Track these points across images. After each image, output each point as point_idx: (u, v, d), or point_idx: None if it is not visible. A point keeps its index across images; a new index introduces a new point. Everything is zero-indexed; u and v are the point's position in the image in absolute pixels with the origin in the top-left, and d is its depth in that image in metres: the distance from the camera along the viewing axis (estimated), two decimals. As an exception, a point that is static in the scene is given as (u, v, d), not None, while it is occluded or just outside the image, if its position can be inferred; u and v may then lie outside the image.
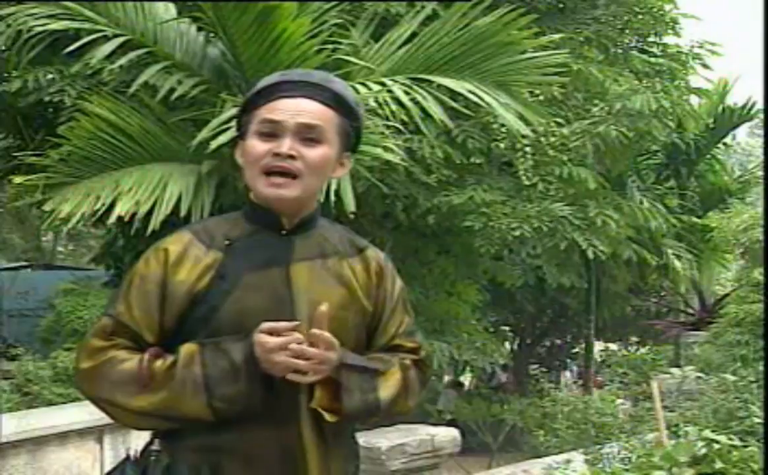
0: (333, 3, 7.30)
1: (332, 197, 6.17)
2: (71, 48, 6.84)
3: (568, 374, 14.84)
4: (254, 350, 1.99)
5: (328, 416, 2.05)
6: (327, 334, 2.02)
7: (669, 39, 11.40)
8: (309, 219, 2.17)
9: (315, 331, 2.01)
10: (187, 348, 2.03)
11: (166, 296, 2.07)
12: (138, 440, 6.64)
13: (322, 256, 2.16)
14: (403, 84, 6.93)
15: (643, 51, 11.29)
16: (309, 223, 2.17)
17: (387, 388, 2.15)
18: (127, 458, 2.12)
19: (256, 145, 2.09)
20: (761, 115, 14.43)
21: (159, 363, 2.03)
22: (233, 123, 6.28)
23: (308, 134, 2.09)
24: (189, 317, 2.07)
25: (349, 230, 2.32)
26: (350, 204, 6.39)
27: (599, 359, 12.83)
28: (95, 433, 6.20)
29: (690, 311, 13.80)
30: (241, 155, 2.16)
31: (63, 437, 6.02)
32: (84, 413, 6.18)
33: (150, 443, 2.12)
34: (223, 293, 2.06)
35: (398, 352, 2.22)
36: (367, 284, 2.20)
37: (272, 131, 2.09)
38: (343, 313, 2.13)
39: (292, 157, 2.07)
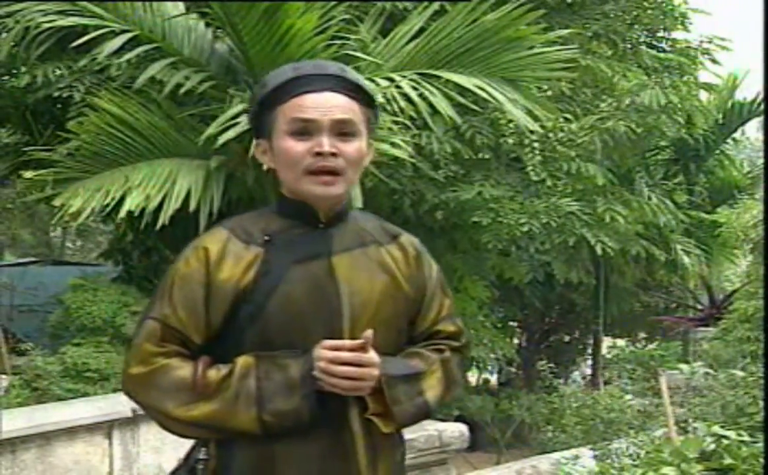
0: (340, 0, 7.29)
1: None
2: (79, 42, 6.85)
3: (577, 373, 14.80)
4: (312, 365, 1.98)
5: (383, 427, 2.05)
6: (371, 353, 2.01)
7: (678, 34, 11.38)
8: (344, 211, 2.15)
9: (359, 352, 2.00)
10: (243, 361, 2.01)
11: (211, 295, 2.04)
12: (147, 435, 6.63)
13: (362, 245, 2.14)
14: (411, 80, 6.92)
15: (652, 46, 11.26)
16: (343, 215, 2.15)
17: (432, 388, 2.15)
18: (179, 467, 2.13)
19: (292, 146, 2.06)
20: (770, 111, 14.39)
21: (213, 373, 2.01)
22: (241, 118, 6.40)
23: (342, 129, 2.07)
24: (236, 315, 2.03)
25: (380, 218, 2.31)
26: (357, 200, 6.38)
27: (607, 355, 12.81)
28: (104, 428, 6.20)
29: (699, 306, 13.77)
30: (265, 155, 2.13)
31: (72, 432, 6.02)
32: (93, 409, 6.19)
33: (192, 450, 2.10)
34: (270, 288, 2.03)
35: (438, 337, 2.21)
36: (408, 270, 2.18)
37: (306, 130, 2.05)
38: (388, 300, 2.13)
39: (333, 154, 2.05)
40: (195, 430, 2.04)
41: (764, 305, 6.47)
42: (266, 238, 2.08)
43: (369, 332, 1.99)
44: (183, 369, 2.01)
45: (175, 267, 2.10)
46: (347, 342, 2.00)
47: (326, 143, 2.04)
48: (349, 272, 2.09)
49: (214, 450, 2.06)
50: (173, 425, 2.03)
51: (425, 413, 2.15)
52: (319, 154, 2.04)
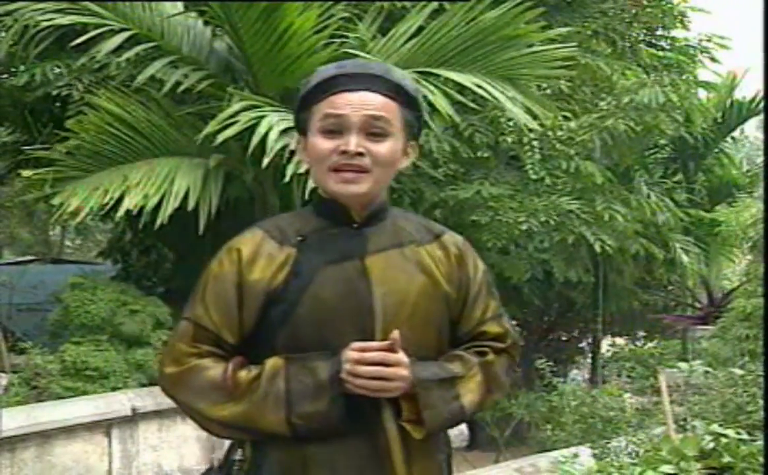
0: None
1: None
2: (78, 40, 6.85)
3: (576, 371, 14.79)
4: (340, 367, 1.97)
5: (415, 433, 2.02)
6: (400, 354, 1.98)
7: (677, 32, 11.38)
8: (379, 210, 2.13)
9: (387, 352, 1.98)
10: (273, 362, 2.01)
11: (243, 296, 2.05)
12: (146, 433, 6.64)
13: (399, 245, 2.12)
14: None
15: (651, 44, 11.26)
16: (379, 214, 2.13)
17: (470, 392, 2.11)
18: (211, 468, 2.16)
19: (320, 143, 2.05)
20: (769, 110, 14.38)
21: (243, 374, 2.02)
22: (240, 117, 6.40)
23: (374, 128, 2.05)
24: (267, 316, 2.04)
25: (424, 217, 2.30)
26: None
27: (607, 354, 12.80)
28: (103, 427, 6.21)
29: (698, 305, 13.76)
30: (304, 153, 2.13)
31: (71, 430, 6.03)
32: (92, 407, 6.20)
33: (230, 451, 2.12)
34: (300, 288, 2.03)
35: (482, 339, 2.17)
36: (449, 269, 2.15)
37: (336, 127, 2.04)
38: (426, 301, 2.09)
39: (360, 154, 2.03)
40: (227, 430, 2.05)
41: (764, 304, 6.47)
42: (299, 238, 2.08)
43: (396, 333, 1.97)
44: (214, 369, 2.03)
45: (209, 268, 2.11)
46: (374, 343, 1.98)
47: (353, 142, 2.02)
48: (384, 272, 2.07)
49: (249, 451, 2.07)
50: (207, 425, 2.06)
51: (461, 418, 2.11)
52: (344, 152, 2.03)
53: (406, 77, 2.17)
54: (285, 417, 1.97)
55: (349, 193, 2.05)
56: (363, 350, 1.96)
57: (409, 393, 2.01)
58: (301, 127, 2.14)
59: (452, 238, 2.21)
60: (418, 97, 2.15)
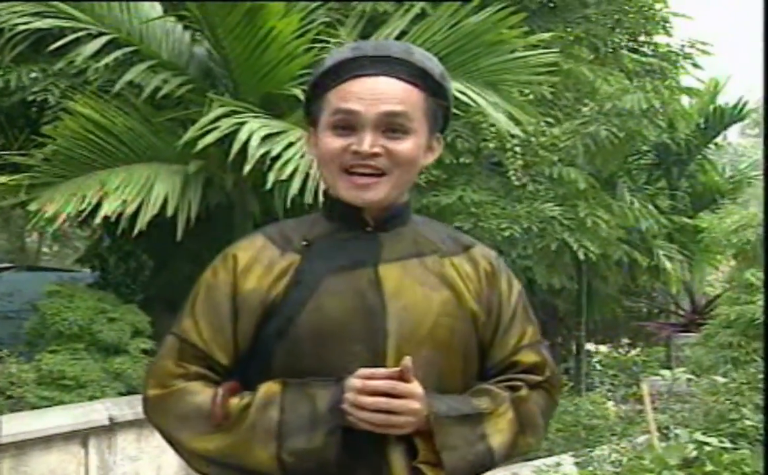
0: (321, 2, 7.24)
1: (320, 197, 6.11)
2: (55, 45, 6.77)
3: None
4: (341, 397, 1.68)
5: None
6: (412, 384, 1.69)
7: (660, 38, 11.40)
8: (398, 214, 1.84)
9: (398, 383, 1.68)
10: (267, 387, 1.72)
11: (238, 309, 1.78)
12: (124, 443, 6.53)
13: (418, 254, 1.83)
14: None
15: (633, 50, 11.27)
16: (398, 218, 1.84)
17: (499, 432, 1.79)
18: None
19: (330, 141, 1.77)
20: (752, 116, 14.46)
21: (235, 401, 1.73)
22: (220, 123, 6.33)
23: (392, 124, 1.76)
24: (263, 332, 1.76)
25: (453, 228, 2.02)
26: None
27: (591, 361, 12.79)
28: (80, 437, 6.12)
29: (681, 312, 13.78)
30: (314, 148, 1.86)
31: (47, 441, 5.93)
32: (68, 417, 6.10)
33: None
34: (301, 300, 1.75)
35: (515, 371, 1.86)
36: (477, 286, 1.84)
37: (348, 123, 1.76)
38: (447, 319, 1.79)
39: (375, 154, 1.75)
40: (211, 466, 1.76)
41: (764, 305, 6.46)
42: (304, 243, 1.82)
43: (407, 360, 1.67)
44: (202, 395, 1.75)
45: (202, 277, 1.86)
46: (380, 370, 1.68)
47: (367, 142, 1.74)
48: (400, 284, 1.78)
49: None
50: (188, 458, 1.78)
51: (489, 463, 1.78)
52: (357, 152, 1.75)
53: (431, 59, 1.85)
54: (275, 452, 1.69)
55: (361, 200, 1.78)
56: (368, 377, 1.67)
57: (424, 431, 1.71)
58: (311, 118, 1.86)
59: (483, 251, 1.91)
60: (444, 84, 1.84)
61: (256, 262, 1.80)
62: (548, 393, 1.89)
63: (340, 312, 1.75)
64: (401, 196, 1.84)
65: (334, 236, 1.82)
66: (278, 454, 1.68)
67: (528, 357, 1.86)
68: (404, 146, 1.77)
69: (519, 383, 1.83)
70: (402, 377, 1.67)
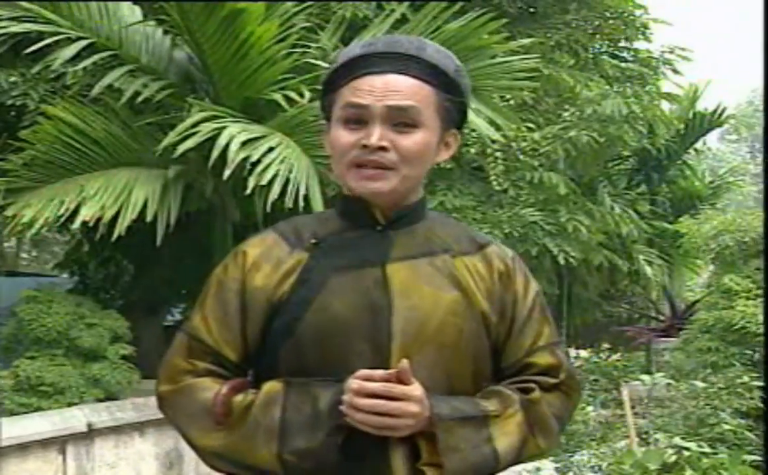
0: (301, 6, 7.23)
1: (301, 201, 6.10)
2: (33, 48, 6.72)
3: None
4: (342, 397, 1.68)
5: None
6: (411, 386, 1.68)
7: (640, 44, 11.47)
8: (410, 212, 1.84)
9: (394, 385, 1.68)
10: (270, 386, 1.74)
11: (247, 306, 1.79)
12: (102, 450, 6.49)
13: (429, 253, 1.82)
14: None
15: (614, 56, 11.33)
16: (410, 216, 1.84)
17: (506, 435, 1.76)
18: None
19: (341, 136, 1.79)
20: (731, 121, 14.54)
21: (239, 399, 1.75)
22: (200, 127, 6.30)
23: (400, 118, 1.76)
24: (271, 330, 1.77)
25: (471, 227, 2.01)
26: (319, 208, 6.31)
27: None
28: (58, 444, 6.07)
29: (661, 317, 13.84)
30: (327, 141, 1.88)
31: (24, 448, 5.89)
32: (46, 424, 6.06)
33: None
34: (306, 299, 1.76)
35: (529, 373, 1.83)
36: (489, 286, 1.83)
37: (358, 117, 1.77)
38: (455, 320, 1.77)
39: (383, 148, 1.76)
40: (219, 461, 1.77)
41: (764, 305, 6.50)
42: (313, 241, 1.82)
43: (404, 362, 1.67)
44: (209, 391, 1.77)
45: (214, 273, 1.87)
46: (378, 372, 1.68)
47: (375, 135, 1.75)
48: (407, 283, 1.77)
49: None
50: (199, 454, 1.80)
51: (493, 466, 1.75)
52: (365, 146, 1.76)
53: (448, 56, 1.84)
54: (276, 451, 1.69)
55: (370, 191, 1.78)
56: (366, 378, 1.67)
57: (427, 432, 1.70)
58: (326, 114, 1.87)
59: (499, 250, 1.89)
60: (459, 79, 1.83)
61: (265, 259, 1.81)
62: (565, 395, 1.86)
63: (346, 311, 1.75)
64: (413, 193, 1.84)
65: (343, 234, 1.83)
66: (280, 453, 1.69)
67: (543, 359, 1.84)
68: (412, 141, 1.77)
69: (532, 386, 1.81)
70: (400, 379, 1.67)
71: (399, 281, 1.77)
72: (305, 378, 1.72)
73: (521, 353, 1.84)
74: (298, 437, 1.69)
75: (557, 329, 1.93)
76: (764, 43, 4.11)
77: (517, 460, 1.79)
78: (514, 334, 1.84)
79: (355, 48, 1.84)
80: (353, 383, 1.67)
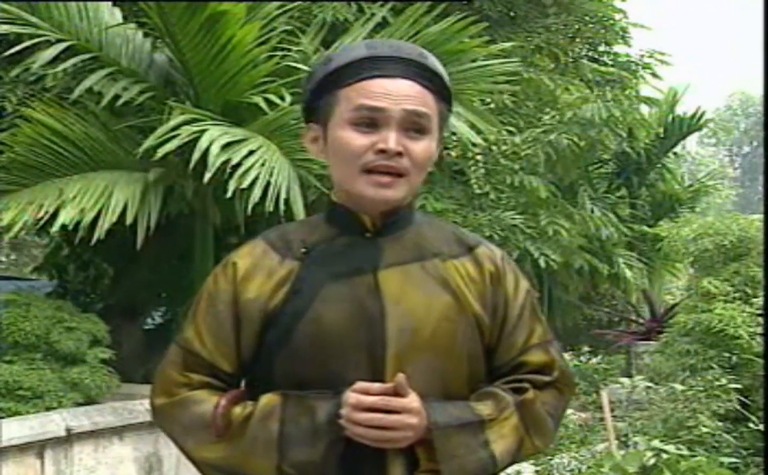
0: (283, 9, 7.22)
1: (281, 205, 6.09)
2: (11, 51, 6.68)
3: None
4: (340, 410, 1.69)
5: None
6: (408, 398, 1.70)
7: (619, 48, 11.53)
8: (399, 218, 1.83)
9: (392, 399, 1.69)
10: (267, 399, 1.74)
11: (239, 318, 1.79)
12: (81, 455, 6.45)
13: (420, 258, 1.81)
14: (353, 92, 6.85)
15: (593, 60, 11.38)
16: (399, 222, 1.83)
17: (502, 438, 1.77)
18: None
19: (352, 138, 1.75)
20: (710, 125, 14.64)
21: (237, 411, 1.76)
22: (181, 130, 6.28)
23: (414, 125, 1.75)
24: (265, 341, 1.78)
25: (458, 228, 1.99)
26: (300, 212, 6.30)
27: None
28: (36, 448, 6.03)
29: (641, 320, 13.90)
30: (314, 141, 1.84)
31: (2, 452, 5.84)
32: (24, 428, 6.01)
33: None
34: (299, 309, 1.75)
35: (522, 372, 1.84)
36: (481, 288, 1.83)
37: (372, 121, 1.74)
38: (449, 324, 1.78)
39: (400, 154, 1.74)
40: (217, 474, 1.79)
41: (764, 307, 6.54)
42: (303, 250, 1.80)
43: (401, 376, 1.68)
44: (205, 404, 1.77)
45: (204, 285, 1.87)
46: (375, 385, 1.68)
47: (393, 139, 1.73)
48: (400, 289, 1.77)
49: None
50: (197, 466, 1.81)
51: (491, 470, 1.76)
52: (382, 151, 1.73)
53: (440, 65, 1.86)
54: (276, 464, 1.70)
55: (383, 198, 1.76)
56: (363, 392, 1.68)
57: (425, 440, 1.72)
58: (317, 115, 1.82)
59: (488, 252, 1.89)
60: (451, 89, 1.86)
61: (256, 270, 1.80)
62: (559, 392, 1.87)
63: (339, 320, 1.74)
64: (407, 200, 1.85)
65: (333, 242, 1.82)
66: (279, 466, 1.70)
67: (536, 357, 1.85)
68: (422, 147, 1.77)
69: (526, 385, 1.82)
70: (397, 392, 1.68)
71: (391, 288, 1.77)
72: (302, 391, 1.73)
73: (514, 352, 1.84)
74: (298, 450, 1.70)
75: (548, 327, 1.93)
76: (764, 42, 4.13)
77: (514, 461, 1.81)
78: (506, 333, 1.84)
79: (359, 49, 1.81)
80: (351, 397, 1.68)
